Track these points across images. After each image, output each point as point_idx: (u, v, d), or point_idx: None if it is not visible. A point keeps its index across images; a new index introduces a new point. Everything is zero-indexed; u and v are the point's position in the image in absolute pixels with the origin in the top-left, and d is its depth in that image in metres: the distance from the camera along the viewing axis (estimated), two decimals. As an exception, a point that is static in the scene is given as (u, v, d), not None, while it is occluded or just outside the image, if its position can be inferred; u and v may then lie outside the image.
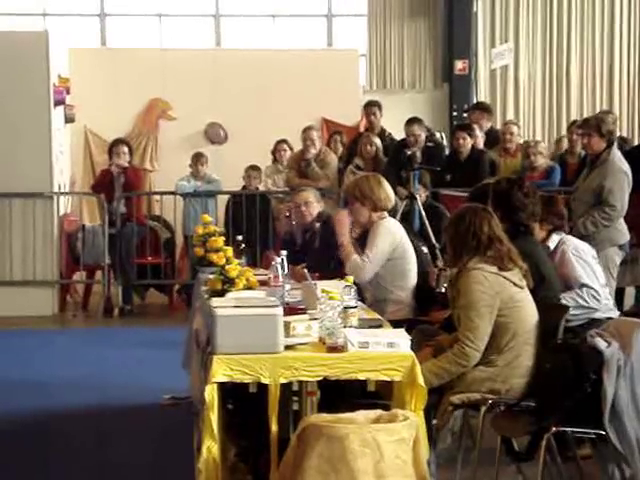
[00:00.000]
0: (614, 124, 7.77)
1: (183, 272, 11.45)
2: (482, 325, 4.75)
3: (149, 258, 11.22)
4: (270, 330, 4.20)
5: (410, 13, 15.55)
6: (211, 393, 4.17)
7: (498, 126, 12.47)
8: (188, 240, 10.86)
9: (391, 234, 6.07)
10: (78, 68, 12.79)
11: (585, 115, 13.64)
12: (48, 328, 10.21)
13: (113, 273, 11.04)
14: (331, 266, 6.29)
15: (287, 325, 4.35)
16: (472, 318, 4.76)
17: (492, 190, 5.77)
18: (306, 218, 7.22)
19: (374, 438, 3.81)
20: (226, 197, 11.41)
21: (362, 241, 6.11)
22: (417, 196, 8.83)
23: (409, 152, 9.17)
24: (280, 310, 4.28)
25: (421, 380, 4.28)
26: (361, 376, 4.26)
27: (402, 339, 4.39)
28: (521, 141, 11.13)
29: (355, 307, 4.74)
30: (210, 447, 4.17)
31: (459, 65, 15.46)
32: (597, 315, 5.60)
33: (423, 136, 10.48)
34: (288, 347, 4.26)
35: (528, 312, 4.86)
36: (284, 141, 11.58)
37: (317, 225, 7.19)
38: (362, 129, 12.02)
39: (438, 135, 11.34)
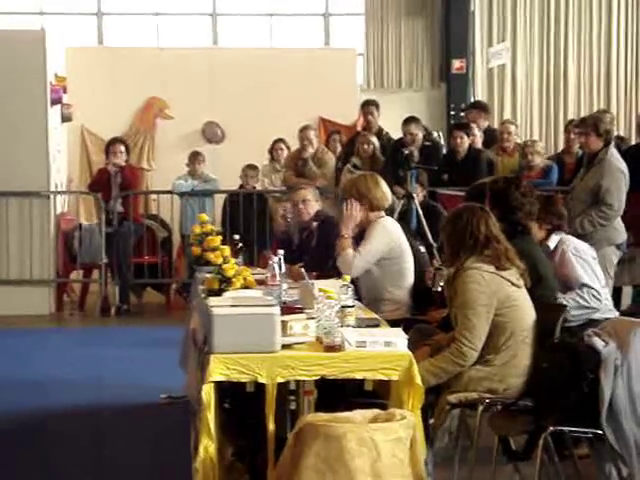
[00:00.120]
0: (611, 123, 7.78)
1: (180, 271, 11.45)
2: (479, 324, 4.75)
3: (146, 257, 11.22)
4: (267, 329, 4.20)
5: (407, 12, 15.54)
6: (208, 392, 4.17)
7: (495, 125, 12.47)
8: (185, 239, 10.86)
9: (388, 234, 6.06)
10: (75, 67, 12.79)
11: (582, 114, 13.65)
12: (45, 327, 10.21)
13: (110, 272, 11.03)
14: (328, 265, 6.28)
15: (284, 324, 4.35)
16: (469, 317, 4.75)
17: (489, 189, 5.77)
18: (303, 216, 7.20)
19: (371, 437, 3.81)
20: (223, 196, 11.40)
21: (359, 240, 6.11)
22: (414, 195, 8.83)
23: (406, 151, 9.16)
24: (277, 309, 4.28)
25: (418, 379, 4.28)
26: (358, 375, 4.26)
27: (399, 338, 4.39)
28: (518, 140, 11.14)
29: (352, 306, 4.74)
30: (207, 446, 4.17)
31: (456, 64, 15.46)
32: (597, 315, 5.58)
33: (420, 135, 10.48)
34: (285, 346, 4.26)
35: (525, 311, 4.86)
36: (281, 140, 11.58)
37: (314, 224, 7.17)
38: (359, 128, 12.01)
39: (435, 134, 11.34)
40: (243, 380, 4.20)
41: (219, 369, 4.15)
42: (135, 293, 11.33)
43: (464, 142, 10.31)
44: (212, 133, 13.46)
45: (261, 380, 4.18)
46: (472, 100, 14.99)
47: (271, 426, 4.20)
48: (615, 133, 9.37)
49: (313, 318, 4.51)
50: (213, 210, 11.11)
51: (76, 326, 10.59)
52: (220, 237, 5.61)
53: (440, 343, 5.06)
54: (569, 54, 15.73)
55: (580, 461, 4.80)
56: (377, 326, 4.76)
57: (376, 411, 3.98)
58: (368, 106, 11.18)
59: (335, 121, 13.37)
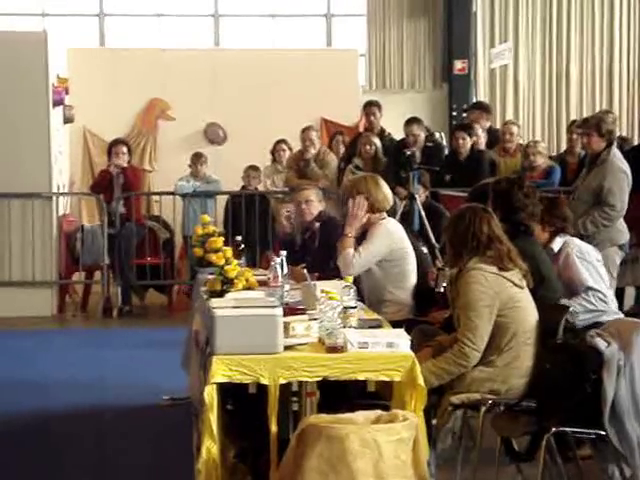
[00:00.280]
0: (614, 124, 7.77)
1: (182, 272, 11.44)
2: (482, 325, 4.74)
3: (148, 258, 11.21)
4: (269, 330, 4.20)
5: (409, 13, 15.53)
6: (210, 394, 4.17)
7: (498, 126, 12.46)
8: (187, 240, 10.86)
9: (389, 235, 6.05)
10: (77, 68, 12.78)
11: (585, 115, 13.62)
12: (47, 328, 10.20)
13: (112, 273, 11.02)
14: (330, 266, 6.27)
15: (286, 325, 4.35)
16: (472, 318, 4.75)
17: (492, 190, 5.77)
18: (306, 216, 7.19)
19: (374, 438, 3.81)
20: (225, 197, 11.40)
21: (361, 241, 6.10)
22: (417, 196, 8.83)
23: (408, 152, 9.16)
24: (279, 310, 4.28)
25: (421, 380, 4.27)
26: (361, 376, 4.26)
27: (402, 339, 4.39)
28: (521, 141, 11.13)
29: (355, 307, 4.74)
30: (210, 448, 4.17)
31: (458, 65, 15.44)
32: (604, 318, 5.51)
33: (422, 136, 10.48)
34: (287, 347, 4.26)
35: (528, 312, 4.85)
36: (283, 141, 11.58)
37: (317, 225, 7.17)
38: (361, 129, 12.00)
39: (437, 135, 11.33)
40: (245, 381, 4.20)
41: (221, 370, 4.15)
42: (137, 294, 11.32)
43: (466, 143, 10.31)
44: (214, 134, 13.45)
45: (263, 381, 4.18)
46: (474, 101, 14.98)
47: (273, 427, 4.20)
48: (617, 133, 9.35)
49: (315, 319, 4.50)
50: (215, 211, 11.11)
51: (78, 327, 10.59)
52: (222, 238, 5.61)
53: (442, 344, 5.05)
54: (571, 54, 15.72)
55: (583, 462, 4.79)
56: (379, 327, 4.76)
57: (379, 412, 3.98)
58: (370, 107, 11.17)
59: (337, 122, 13.36)
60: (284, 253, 5.61)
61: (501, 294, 4.79)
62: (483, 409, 4.68)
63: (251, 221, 10.94)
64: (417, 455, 3.94)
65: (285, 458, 3.95)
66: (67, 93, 12.16)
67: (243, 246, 6.29)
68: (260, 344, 4.18)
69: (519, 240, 5.26)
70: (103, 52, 14.46)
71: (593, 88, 15.82)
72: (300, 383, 4.29)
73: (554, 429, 4.39)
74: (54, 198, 11.20)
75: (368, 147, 10.50)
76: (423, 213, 8.67)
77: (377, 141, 10.57)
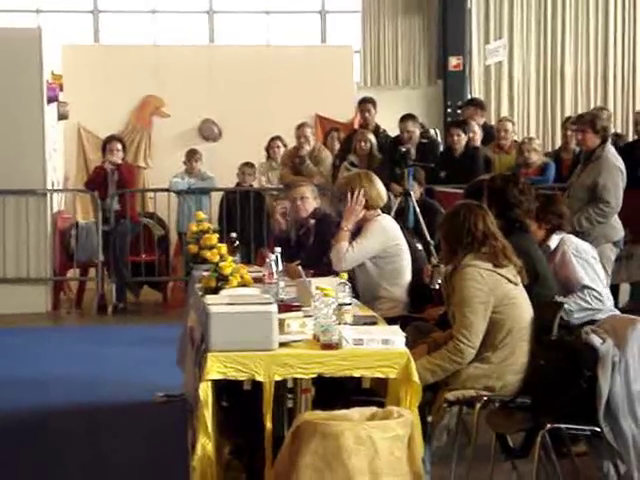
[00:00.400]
0: (608, 120, 7.79)
1: (177, 269, 11.43)
2: (477, 322, 4.74)
3: (143, 255, 11.21)
4: (264, 327, 4.19)
5: (404, 9, 15.53)
6: (205, 391, 4.17)
7: (492, 123, 12.47)
8: (182, 237, 10.85)
9: (384, 232, 6.05)
10: (71, 65, 12.76)
11: (579, 111, 13.64)
12: (42, 325, 10.20)
13: (107, 270, 11.02)
14: (325, 263, 6.27)
15: (281, 322, 4.35)
16: (467, 315, 4.75)
17: (487, 187, 5.76)
18: (301, 213, 7.18)
19: (369, 435, 3.81)
20: (220, 194, 11.39)
21: (355, 237, 6.09)
22: (411, 193, 8.81)
23: (403, 149, 9.14)
24: (274, 307, 4.27)
25: (416, 377, 4.27)
26: (356, 373, 4.25)
27: (397, 336, 4.39)
28: (515, 138, 11.13)
29: (349, 304, 4.74)
30: (204, 444, 4.16)
31: (453, 62, 15.45)
32: (600, 316, 5.46)
33: (417, 133, 10.48)
34: (282, 344, 4.25)
35: (523, 309, 4.85)
36: (278, 138, 11.57)
37: (312, 222, 7.16)
38: (356, 126, 12.00)
39: (432, 132, 11.33)
40: (240, 378, 4.19)
41: (216, 367, 4.15)
42: (132, 291, 11.32)
43: (461, 139, 10.31)
44: (209, 131, 13.45)
45: (258, 378, 4.17)
46: (469, 97, 14.98)
47: (268, 424, 4.19)
48: (612, 130, 9.35)
49: (310, 316, 4.50)
50: (210, 208, 11.09)
51: (73, 324, 10.58)
52: (217, 235, 5.60)
53: (437, 341, 5.05)
54: (566, 51, 15.73)
55: (578, 458, 4.80)
56: (374, 324, 4.76)
57: (374, 409, 3.98)
58: (365, 103, 11.16)
59: (332, 118, 13.36)
60: (279, 250, 5.61)
61: (496, 291, 4.79)
62: (478, 406, 4.68)
63: (246, 218, 10.93)
64: (412, 452, 3.94)
65: (280, 455, 3.95)
66: (61, 90, 12.14)
67: (238, 243, 6.29)
68: (255, 341, 4.17)
69: (514, 237, 5.26)
70: (97, 49, 14.44)
71: (588, 84, 15.83)
72: (295, 380, 4.29)
73: (549, 426, 4.39)
74: (48, 195, 11.19)
75: (363, 144, 10.48)
76: (418, 210, 8.66)
77: (372, 138, 10.56)
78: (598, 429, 4.42)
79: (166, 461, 5.53)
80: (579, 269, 5.72)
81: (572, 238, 5.92)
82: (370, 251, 5.98)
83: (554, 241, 5.84)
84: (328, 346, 4.24)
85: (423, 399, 4.39)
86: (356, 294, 5.58)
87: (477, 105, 11.57)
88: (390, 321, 5.05)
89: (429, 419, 4.76)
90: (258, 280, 5.45)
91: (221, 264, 5.25)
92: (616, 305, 6.17)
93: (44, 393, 7.13)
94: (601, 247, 7.12)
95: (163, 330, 8.63)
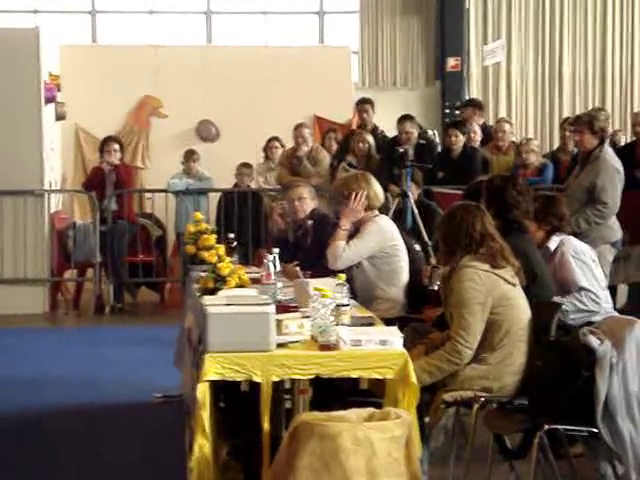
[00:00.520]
0: (606, 121, 7.77)
1: (175, 270, 11.43)
2: (474, 323, 4.74)
3: (140, 256, 11.21)
4: (262, 328, 4.19)
5: (402, 10, 15.54)
6: (203, 391, 4.16)
7: (491, 123, 12.47)
8: (180, 238, 10.84)
9: (381, 232, 6.06)
10: (69, 65, 12.76)
11: (577, 112, 13.64)
12: (39, 326, 10.19)
13: (104, 271, 11.01)
14: (323, 264, 6.26)
15: (279, 323, 4.34)
16: (464, 316, 4.75)
17: (485, 187, 5.77)
18: (299, 214, 7.17)
19: (366, 436, 3.80)
20: (218, 195, 11.38)
21: (352, 238, 6.10)
22: (409, 194, 8.81)
23: (401, 150, 9.15)
24: (272, 308, 4.27)
25: (414, 378, 4.27)
26: (353, 374, 4.25)
27: (394, 337, 4.39)
28: (513, 138, 11.13)
29: (347, 305, 4.73)
30: (202, 445, 4.16)
31: (451, 62, 15.45)
32: (596, 319, 5.45)
33: (415, 133, 10.48)
34: (280, 345, 4.25)
35: (521, 310, 4.85)
36: (276, 138, 11.56)
37: (309, 222, 7.16)
38: (354, 126, 12.00)
39: (430, 132, 11.33)
40: (238, 379, 4.19)
41: (214, 368, 4.15)
42: (129, 292, 11.31)
43: (459, 140, 10.31)
44: (206, 131, 13.44)
45: (256, 379, 4.17)
46: (467, 98, 14.99)
47: (266, 425, 4.19)
48: (610, 131, 9.35)
49: (308, 317, 4.50)
50: (208, 209, 11.09)
51: (70, 325, 10.57)
52: (214, 236, 5.60)
53: (435, 342, 5.05)
54: (564, 52, 15.74)
55: (575, 460, 4.79)
56: (372, 325, 4.76)
57: (371, 410, 3.97)
58: (363, 104, 11.17)
59: (330, 119, 13.35)
60: (277, 251, 5.61)
61: (494, 292, 4.79)
62: (476, 407, 4.68)
63: (244, 219, 10.93)
64: (410, 453, 3.93)
65: (277, 456, 3.94)
66: (59, 90, 12.14)
67: (235, 244, 6.28)
68: (253, 342, 4.17)
69: (512, 237, 5.26)
70: (95, 49, 14.44)
71: (586, 85, 15.84)
72: (293, 381, 4.29)
73: (547, 427, 4.38)
74: (46, 195, 11.18)
75: (361, 144, 10.49)
76: (416, 211, 8.66)
77: (370, 139, 10.56)
78: (596, 430, 4.41)
79: (164, 462, 5.52)
80: (577, 270, 5.71)
81: (572, 240, 5.91)
82: (366, 251, 5.99)
83: (554, 242, 5.83)
84: (326, 347, 4.23)
85: (421, 400, 4.39)
86: (354, 295, 5.58)
87: (475, 105, 11.57)
88: (388, 322, 5.06)
89: (427, 420, 4.76)
90: (256, 281, 5.45)
91: (219, 265, 5.24)
92: (614, 306, 6.16)
93: (41, 393, 7.12)
94: (599, 248, 7.11)
95: (161, 331, 8.62)
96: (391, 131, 10.91)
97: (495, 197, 5.60)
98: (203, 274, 5.40)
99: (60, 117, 12.35)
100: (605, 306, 5.76)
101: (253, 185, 11.40)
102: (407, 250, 6.18)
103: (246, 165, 11.34)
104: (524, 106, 15.82)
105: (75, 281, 11.41)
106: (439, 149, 10.93)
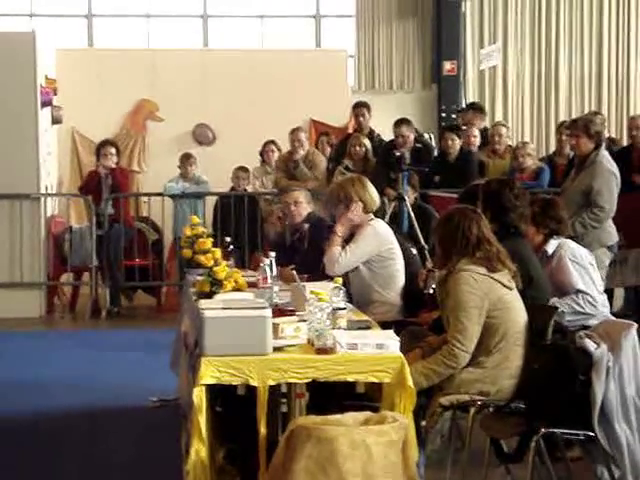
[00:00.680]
0: (602, 125, 7.78)
1: (171, 274, 11.42)
2: (471, 326, 4.74)
3: (137, 260, 11.20)
4: (259, 332, 4.18)
5: (398, 14, 15.54)
6: (199, 395, 4.16)
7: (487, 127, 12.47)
8: (177, 241, 10.84)
9: (377, 236, 6.07)
10: (65, 69, 12.75)
11: (573, 116, 13.65)
12: (36, 330, 10.18)
13: (101, 275, 11.01)
14: (320, 268, 6.27)
15: (276, 327, 4.34)
16: (461, 319, 4.75)
17: (482, 190, 5.77)
18: (295, 218, 7.19)
19: (363, 440, 3.80)
20: (214, 198, 11.38)
21: (349, 242, 6.10)
22: (406, 197, 8.82)
23: (398, 153, 9.15)
24: (269, 312, 4.27)
25: (410, 382, 4.27)
26: (350, 378, 4.25)
27: (391, 340, 4.38)
28: (510, 142, 11.13)
29: (344, 309, 4.73)
30: (198, 449, 4.16)
31: (447, 66, 15.46)
32: (592, 322, 5.46)
33: (412, 137, 10.48)
34: (277, 349, 4.25)
35: (517, 313, 4.85)
36: (272, 142, 11.56)
37: (306, 226, 7.16)
38: (351, 130, 12.00)
39: (426, 136, 11.34)
40: (234, 383, 4.18)
41: (210, 372, 4.14)
42: (126, 296, 11.31)
43: (455, 144, 10.33)
44: (203, 135, 13.44)
45: (252, 383, 4.17)
46: (463, 102, 15.01)
47: (262, 429, 4.18)
48: (606, 135, 9.36)
49: (305, 320, 4.50)
50: (204, 212, 11.09)
51: (67, 329, 10.56)
52: (211, 239, 5.60)
53: (432, 345, 5.05)
54: (560, 56, 15.75)
55: (572, 463, 4.79)
56: (368, 328, 4.76)
57: (368, 414, 3.97)
58: (359, 108, 11.17)
59: (326, 123, 13.36)
60: (273, 254, 5.61)
61: (490, 295, 4.79)
62: (472, 410, 4.67)
63: (240, 222, 10.93)
64: (406, 456, 3.93)
65: (274, 460, 3.94)
66: (55, 94, 12.14)
67: (232, 247, 6.29)
68: (249, 345, 4.17)
69: (508, 241, 5.26)
70: (91, 53, 14.44)
71: (582, 89, 15.85)
72: (289, 384, 4.29)
73: (543, 430, 4.39)
74: (42, 199, 11.18)
75: (358, 148, 10.49)
76: (412, 214, 8.67)
77: (367, 142, 10.56)
78: (592, 434, 4.42)
79: (160, 465, 5.52)
80: (574, 273, 5.72)
81: (570, 243, 5.91)
82: (363, 255, 5.99)
83: (552, 246, 5.83)
84: (322, 351, 4.23)
85: (417, 403, 4.38)
86: (350, 298, 5.58)
87: (477, 109, 11.58)
88: (384, 325, 5.05)
89: (423, 423, 4.76)
90: (252, 285, 5.44)
91: (215, 268, 5.24)
92: (610, 310, 6.16)
93: (37, 397, 7.11)
94: (595, 252, 7.10)
95: (157, 335, 8.61)
96: (387, 135, 10.91)
97: (492, 200, 5.60)
98: (199, 278, 5.40)
99: (56, 121, 12.35)
100: (602, 310, 5.76)
101: (250, 189, 11.40)
102: (403, 254, 6.18)
103: (243, 169, 11.34)
104: (520, 110, 15.83)
105: (71, 285, 11.40)
106: (435, 153, 10.94)
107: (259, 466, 4.20)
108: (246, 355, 4.16)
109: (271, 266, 5.43)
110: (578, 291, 5.68)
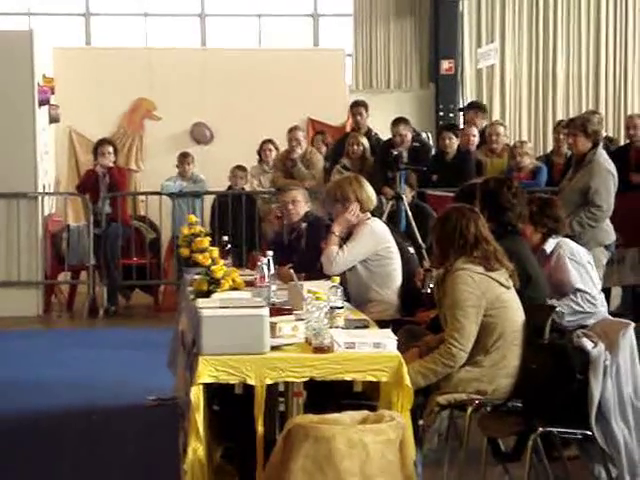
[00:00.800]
0: (600, 124, 7.77)
1: (169, 273, 11.42)
2: (468, 325, 4.74)
3: (134, 259, 11.19)
4: (256, 331, 4.18)
5: (396, 13, 15.54)
6: (197, 394, 4.16)
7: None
8: (175, 240, 10.83)
9: (374, 235, 6.06)
10: (63, 68, 12.75)
11: (571, 115, 13.65)
12: (33, 329, 10.17)
13: (98, 274, 11.00)
14: (317, 266, 6.27)
15: (273, 326, 4.34)
16: (458, 318, 4.75)
17: (480, 189, 5.76)
18: (292, 217, 7.20)
19: (360, 439, 3.80)
20: (212, 197, 11.38)
21: (346, 241, 6.10)
22: (403, 196, 8.83)
23: (395, 152, 9.15)
24: (266, 311, 4.27)
25: (408, 381, 4.27)
26: (347, 377, 4.25)
27: (388, 339, 4.38)
28: (507, 141, 11.13)
29: (341, 307, 4.73)
30: (196, 448, 4.16)
31: (445, 65, 15.46)
32: (592, 321, 5.42)
33: (409, 136, 10.48)
34: (274, 348, 4.25)
35: (515, 312, 4.85)
36: (270, 141, 11.56)
37: (303, 225, 7.17)
38: (348, 129, 12.00)
39: (424, 135, 11.34)
40: (232, 382, 4.18)
41: (208, 371, 4.14)
42: (123, 295, 11.30)
43: (453, 143, 10.33)
44: (200, 134, 13.44)
45: (250, 382, 4.17)
46: (461, 101, 15.02)
47: (260, 428, 4.18)
48: (604, 134, 9.36)
49: (302, 319, 4.50)
50: (202, 211, 11.08)
51: (64, 328, 10.55)
52: (209, 238, 5.59)
53: (429, 344, 5.05)
54: (558, 55, 15.75)
55: (569, 462, 4.79)
56: (366, 327, 4.76)
57: (365, 412, 3.97)
58: (357, 107, 11.17)
59: (324, 122, 13.36)
60: (271, 253, 5.61)
61: (488, 294, 4.79)
62: (470, 409, 4.68)
63: (238, 221, 10.93)
64: (404, 455, 3.94)
65: (272, 458, 3.94)
66: (53, 93, 12.13)
67: (229, 246, 6.28)
68: (247, 344, 4.17)
69: (506, 240, 5.26)
70: (89, 51, 14.42)
71: (579, 88, 15.85)
72: (287, 383, 4.29)
73: (540, 429, 4.39)
74: (40, 198, 11.17)
75: (356, 147, 10.49)
76: (410, 213, 8.67)
77: (365, 141, 10.57)
78: (590, 433, 4.42)
79: (157, 464, 5.52)
80: (573, 272, 5.72)
81: (568, 242, 5.91)
82: (360, 254, 5.99)
83: (550, 245, 5.83)
84: (320, 349, 4.23)
85: (415, 402, 4.39)
86: (348, 297, 5.58)
87: (478, 108, 11.57)
88: (382, 324, 5.05)
89: (421, 423, 4.76)
90: (250, 284, 5.44)
91: (213, 267, 5.24)
92: (607, 309, 6.17)
93: (35, 396, 7.10)
94: (592, 251, 7.10)
95: (154, 333, 8.61)
96: (385, 134, 10.91)
97: (490, 199, 5.60)
98: (197, 277, 5.40)
99: (54, 120, 12.35)
100: (601, 309, 5.76)
101: (247, 188, 11.40)
102: (401, 252, 6.18)
103: (240, 168, 11.34)
104: (518, 109, 15.83)
105: (69, 284, 11.39)
106: (433, 152, 10.94)
107: (257, 465, 4.20)
108: (243, 354, 4.16)
109: (269, 265, 5.43)
110: (577, 290, 5.68)
